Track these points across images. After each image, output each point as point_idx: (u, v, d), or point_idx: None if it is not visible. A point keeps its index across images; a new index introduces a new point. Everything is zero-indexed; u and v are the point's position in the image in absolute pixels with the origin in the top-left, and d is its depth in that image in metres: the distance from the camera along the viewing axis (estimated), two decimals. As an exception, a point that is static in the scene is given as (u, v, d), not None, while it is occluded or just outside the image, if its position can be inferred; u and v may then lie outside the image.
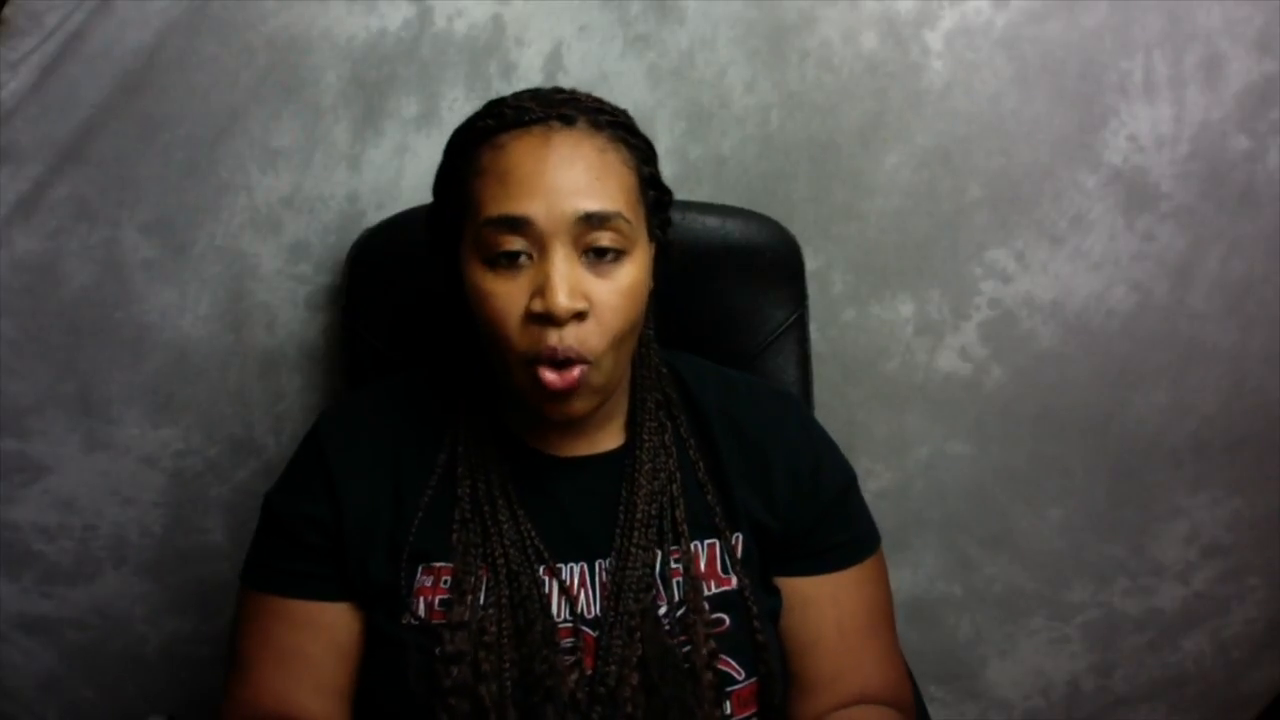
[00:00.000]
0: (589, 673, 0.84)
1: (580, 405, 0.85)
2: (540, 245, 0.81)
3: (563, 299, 0.80)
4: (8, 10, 1.07)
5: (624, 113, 0.89)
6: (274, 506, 0.91)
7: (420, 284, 1.10)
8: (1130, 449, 1.33)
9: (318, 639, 0.88)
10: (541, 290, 0.81)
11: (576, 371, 0.82)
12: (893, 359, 1.30)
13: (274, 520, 0.91)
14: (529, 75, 1.20)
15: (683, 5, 1.19)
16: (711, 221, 1.13)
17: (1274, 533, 1.37)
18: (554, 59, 1.20)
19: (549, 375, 0.82)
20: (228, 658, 0.92)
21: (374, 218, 1.19)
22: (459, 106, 1.19)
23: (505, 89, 1.18)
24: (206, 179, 1.16)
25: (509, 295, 0.82)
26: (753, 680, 0.87)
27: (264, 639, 0.89)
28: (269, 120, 1.16)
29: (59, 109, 1.11)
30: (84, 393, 1.20)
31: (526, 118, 0.84)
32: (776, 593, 0.93)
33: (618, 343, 0.84)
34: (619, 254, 0.83)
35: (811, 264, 1.19)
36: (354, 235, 1.17)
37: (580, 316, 0.82)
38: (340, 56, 1.16)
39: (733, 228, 1.14)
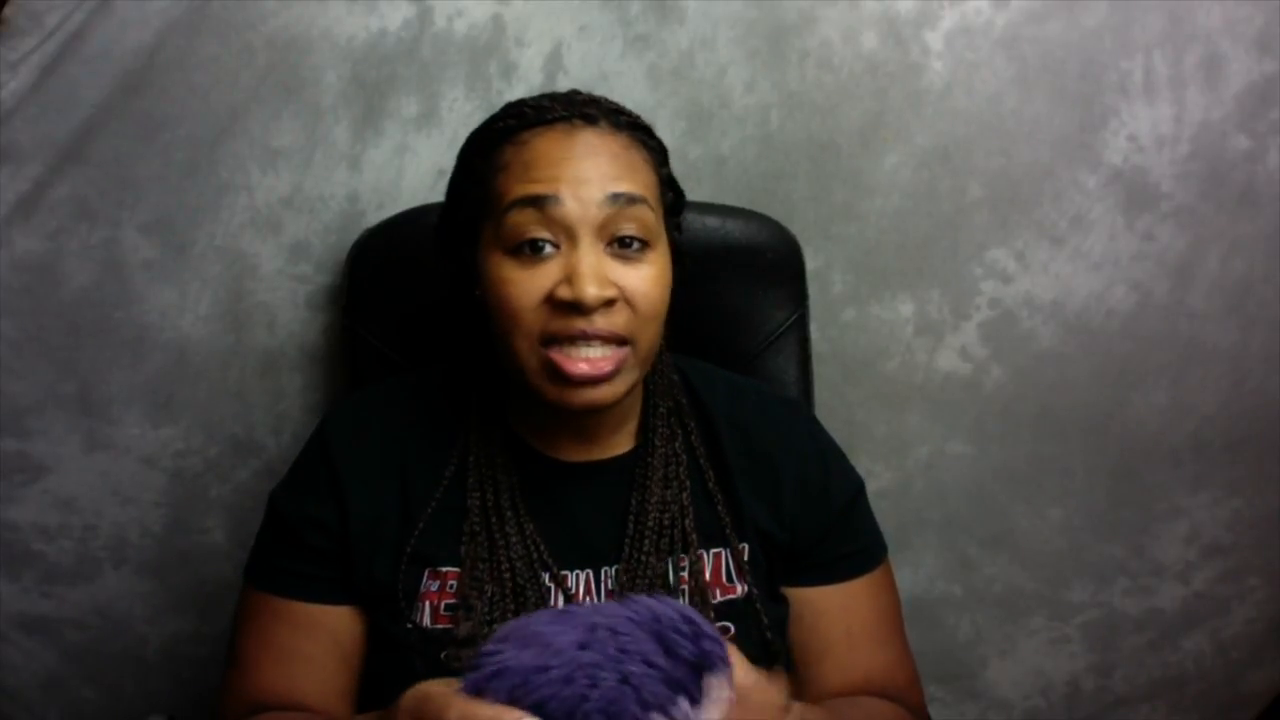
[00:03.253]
0: None
1: (608, 391, 0.82)
2: (567, 233, 0.81)
3: (592, 288, 0.79)
4: (8, 10, 1.07)
5: (640, 117, 0.89)
6: (279, 506, 0.91)
7: (421, 284, 1.10)
8: (1130, 449, 1.33)
9: (319, 641, 0.87)
10: (569, 279, 0.80)
11: (610, 364, 0.81)
12: (893, 359, 1.30)
13: (278, 520, 0.90)
14: (529, 75, 1.20)
15: (683, 5, 1.19)
16: (711, 221, 1.13)
17: (1274, 533, 1.37)
18: (554, 59, 1.20)
19: (580, 366, 0.80)
20: (227, 654, 0.92)
21: (374, 218, 1.19)
22: (459, 106, 1.19)
23: (505, 89, 1.19)
24: (206, 179, 1.16)
25: (530, 281, 0.81)
26: None
27: (265, 639, 0.88)
28: (269, 120, 1.16)
29: (59, 109, 1.11)
30: (84, 393, 1.20)
31: (549, 116, 0.84)
32: (783, 601, 0.93)
33: (650, 327, 0.83)
34: (645, 244, 0.83)
35: (811, 264, 1.19)
36: (354, 235, 1.17)
37: (609, 304, 0.80)
38: (340, 56, 1.16)
39: (733, 228, 1.14)
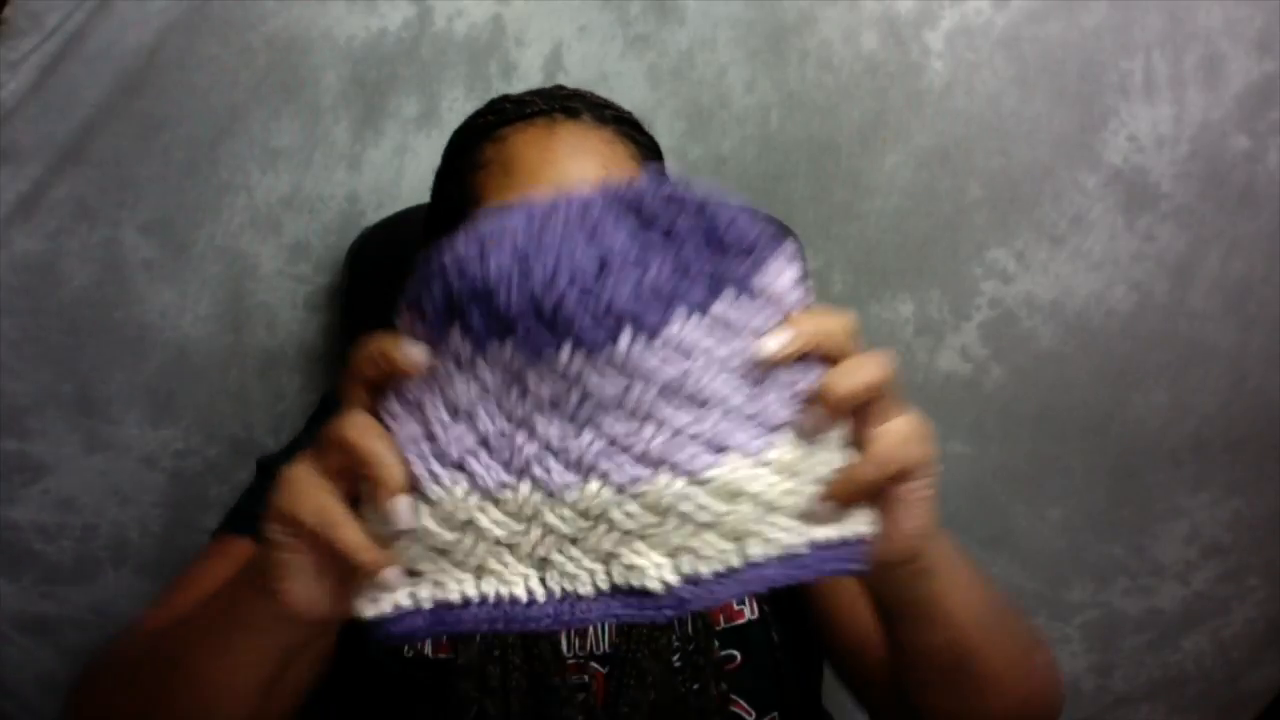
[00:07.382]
0: (598, 713, 0.78)
1: None
2: None
3: None
4: (8, 10, 1.07)
5: (628, 111, 0.87)
6: (269, 465, 0.88)
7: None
8: (1130, 449, 1.33)
9: None
10: None
11: None
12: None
13: (267, 476, 0.87)
14: (529, 75, 1.20)
15: (683, 5, 1.19)
16: (711, 221, 1.13)
17: (1274, 533, 1.37)
18: (554, 59, 1.20)
19: None
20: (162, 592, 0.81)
21: (374, 218, 1.19)
22: (459, 106, 1.19)
23: (505, 89, 1.18)
24: (206, 179, 1.16)
25: None
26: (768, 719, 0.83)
27: (212, 578, 0.70)
28: (269, 120, 1.16)
29: (59, 109, 1.11)
30: (84, 393, 1.20)
31: (529, 110, 0.82)
32: (803, 614, 0.86)
33: None
34: None
35: (811, 264, 1.19)
36: (354, 235, 1.17)
37: None
38: (340, 56, 1.16)
39: (733, 228, 1.14)
